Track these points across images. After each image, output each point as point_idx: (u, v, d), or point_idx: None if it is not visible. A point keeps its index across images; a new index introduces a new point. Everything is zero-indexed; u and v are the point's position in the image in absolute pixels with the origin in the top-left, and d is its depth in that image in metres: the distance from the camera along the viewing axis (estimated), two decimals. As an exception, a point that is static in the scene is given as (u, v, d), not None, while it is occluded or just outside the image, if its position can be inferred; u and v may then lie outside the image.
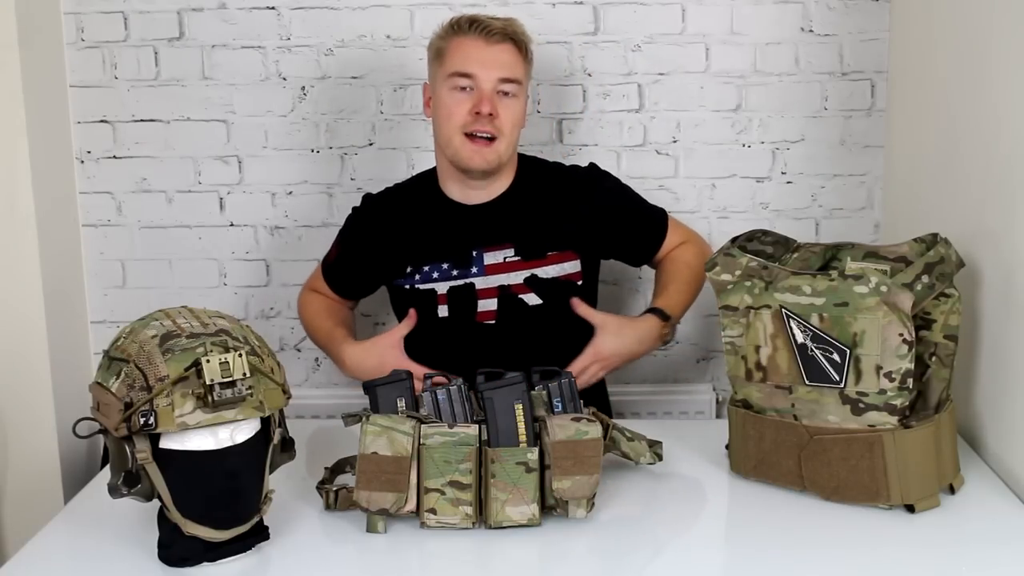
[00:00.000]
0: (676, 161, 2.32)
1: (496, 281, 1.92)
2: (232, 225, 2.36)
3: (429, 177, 2.00)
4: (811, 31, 2.25)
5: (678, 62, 2.27)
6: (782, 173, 2.31)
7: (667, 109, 2.29)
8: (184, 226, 2.36)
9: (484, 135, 1.83)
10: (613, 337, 1.84)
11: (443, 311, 1.92)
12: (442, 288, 1.92)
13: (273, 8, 2.27)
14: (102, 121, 2.32)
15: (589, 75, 2.28)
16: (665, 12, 2.25)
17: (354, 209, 2.06)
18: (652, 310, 1.90)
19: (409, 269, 1.94)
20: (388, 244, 1.97)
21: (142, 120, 2.32)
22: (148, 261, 2.37)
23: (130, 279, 2.38)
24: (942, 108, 1.91)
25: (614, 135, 2.31)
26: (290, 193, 2.34)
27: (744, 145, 2.31)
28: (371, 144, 2.32)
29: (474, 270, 1.91)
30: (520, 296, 1.92)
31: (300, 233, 2.36)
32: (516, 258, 1.92)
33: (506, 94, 1.84)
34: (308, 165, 2.33)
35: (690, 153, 2.31)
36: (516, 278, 1.92)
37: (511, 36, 1.85)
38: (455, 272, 1.92)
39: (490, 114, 1.82)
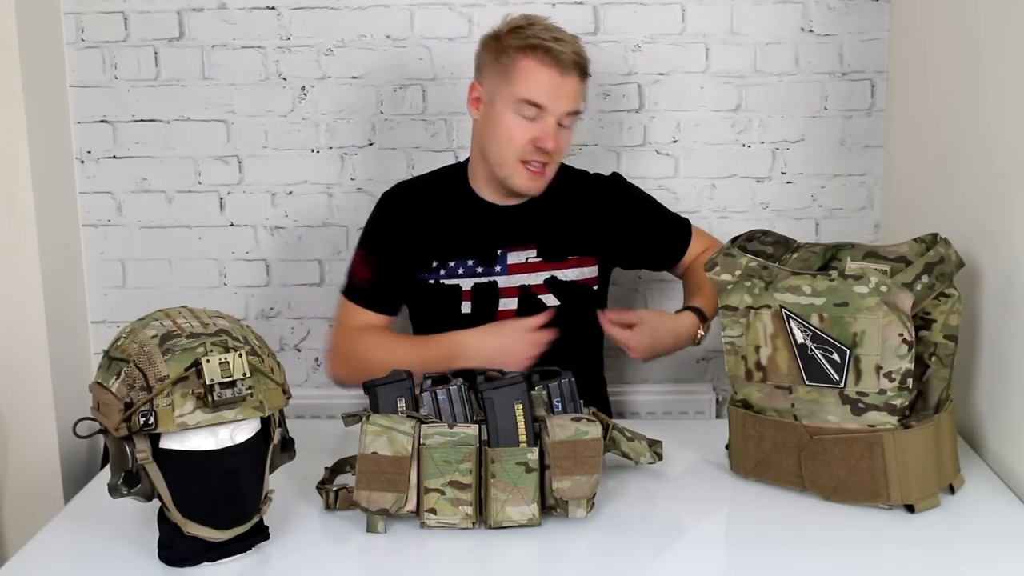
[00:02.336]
0: (676, 161, 2.32)
1: (518, 281, 1.93)
2: (232, 225, 2.36)
3: (457, 173, 1.98)
4: (811, 31, 2.26)
5: (678, 62, 2.27)
6: (782, 173, 2.32)
7: (667, 109, 2.29)
8: (184, 226, 2.36)
9: (540, 163, 1.84)
10: (647, 333, 1.84)
11: (466, 307, 1.92)
12: (467, 284, 1.92)
13: (273, 8, 2.27)
14: (102, 121, 2.32)
15: (589, 75, 2.28)
16: (665, 12, 2.25)
17: (376, 213, 1.98)
18: (691, 308, 1.91)
19: (435, 264, 1.93)
20: (415, 237, 1.93)
21: (142, 120, 2.32)
22: (148, 261, 2.37)
23: (130, 279, 2.38)
24: (942, 108, 1.91)
25: (614, 135, 2.31)
26: (290, 193, 2.34)
27: (744, 145, 2.31)
28: (371, 144, 2.32)
29: (498, 268, 1.92)
30: (539, 296, 1.93)
31: (300, 233, 2.36)
32: (538, 259, 1.93)
33: (564, 125, 1.84)
34: (308, 165, 2.33)
35: (690, 153, 2.31)
36: (536, 279, 1.93)
37: (580, 64, 1.83)
38: (480, 269, 1.92)
39: (552, 148, 1.82)
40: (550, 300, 1.93)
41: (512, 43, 1.82)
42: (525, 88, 1.80)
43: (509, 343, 1.80)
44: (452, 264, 1.92)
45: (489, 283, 1.92)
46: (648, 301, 2.36)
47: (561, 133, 1.84)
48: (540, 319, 1.82)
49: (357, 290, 1.95)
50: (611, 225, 1.97)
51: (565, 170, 1.99)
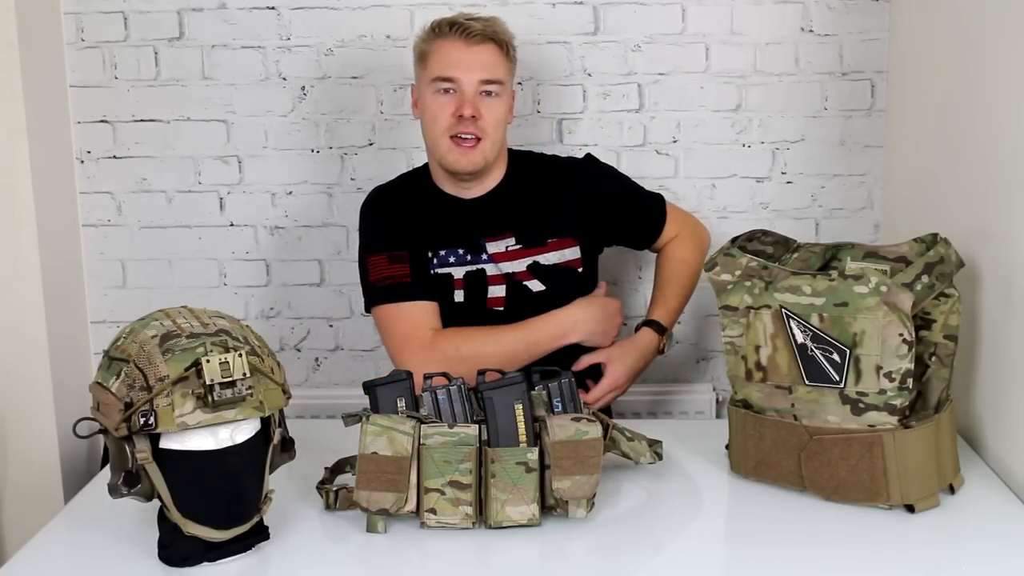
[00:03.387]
0: (676, 161, 2.32)
1: (503, 268, 1.94)
2: (232, 225, 2.36)
3: (421, 175, 2.01)
4: (811, 31, 2.25)
5: (678, 62, 2.27)
6: (782, 173, 2.31)
7: (667, 109, 2.29)
8: (184, 226, 2.36)
9: (468, 136, 1.85)
10: (620, 365, 1.93)
11: (459, 296, 1.93)
12: (458, 273, 1.93)
13: (273, 8, 2.27)
14: (102, 121, 2.32)
15: (589, 75, 2.28)
16: (665, 12, 2.25)
17: (370, 217, 1.97)
18: (648, 323, 1.99)
19: (429, 254, 1.94)
20: (410, 230, 1.94)
21: (142, 120, 2.31)
22: (148, 261, 2.37)
23: (130, 279, 2.38)
24: (942, 108, 1.91)
25: (614, 135, 2.31)
26: (290, 193, 2.34)
27: (744, 145, 2.31)
28: (371, 144, 2.32)
29: (484, 256, 1.94)
30: (525, 283, 1.94)
31: (300, 233, 2.36)
32: (518, 246, 1.94)
33: (489, 94, 1.86)
34: (308, 165, 2.33)
35: (690, 153, 2.31)
36: (520, 265, 1.94)
37: (491, 36, 1.86)
38: (469, 258, 1.94)
39: (473, 116, 1.84)
40: (535, 285, 1.94)
41: (425, 36, 1.89)
42: (435, 67, 1.86)
43: (603, 315, 1.93)
44: (443, 253, 1.94)
45: (478, 271, 1.94)
46: (647, 300, 2.36)
47: (486, 103, 1.86)
48: (602, 291, 1.97)
49: (403, 288, 1.89)
50: (586, 204, 1.97)
51: (531, 156, 2.03)
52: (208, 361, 1.27)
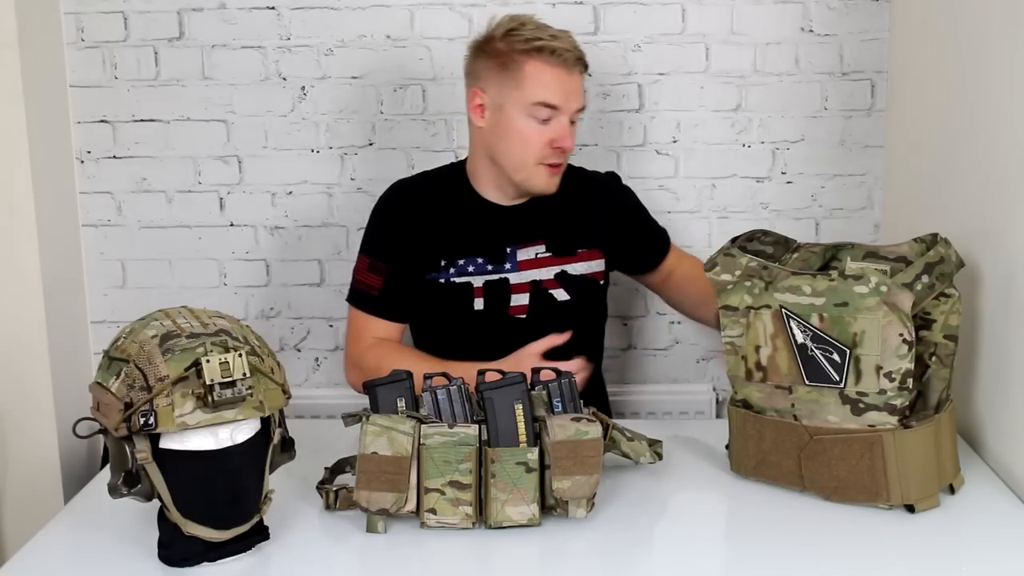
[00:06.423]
0: (676, 161, 2.32)
1: (528, 276, 1.93)
2: (232, 225, 2.36)
3: (456, 175, 1.97)
4: (811, 31, 2.25)
5: (678, 62, 2.27)
6: (782, 173, 2.31)
7: (667, 109, 2.29)
8: (184, 226, 2.36)
9: (558, 163, 1.86)
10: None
11: (479, 304, 1.92)
12: (478, 282, 1.92)
13: (273, 8, 2.27)
14: (102, 121, 2.32)
15: (589, 75, 2.27)
16: (665, 12, 2.25)
17: (376, 217, 1.96)
18: None
19: (443, 262, 1.92)
20: (421, 236, 1.91)
21: (142, 120, 2.32)
22: (148, 261, 2.37)
23: (130, 279, 2.38)
24: (942, 108, 1.91)
25: (614, 135, 2.30)
26: (290, 193, 2.34)
27: (744, 145, 2.31)
28: (371, 144, 2.32)
29: (507, 266, 1.92)
30: (550, 291, 1.94)
31: (300, 233, 2.36)
32: (547, 254, 1.94)
33: (573, 121, 1.86)
34: (308, 165, 2.33)
35: (690, 153, 2.31)
36: (547, 274, 1.93)
37: (583, 60, 1.85)
38: (490, 267, 1.92)
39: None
40: (561, 295, 1.94)
41: (515, 47, 1.81)
42: (537, 92, 1.80)
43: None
44: (462, 262, 1.92)
45: (500, 280, 1.92)
46: (648, 301, 2.37)
47: (571, 130, 1.86)
48: (548, 344, 1.80)
49: (367, 299, 1.93)
50: (614, 219, 1.99)
51: (568, 167, 1.99)
52: (208, 361, 1.27)
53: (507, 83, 1.82)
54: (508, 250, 1.93)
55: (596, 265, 1.97)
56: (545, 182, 1.87)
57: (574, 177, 1.99)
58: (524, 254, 1.93)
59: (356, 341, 1.93)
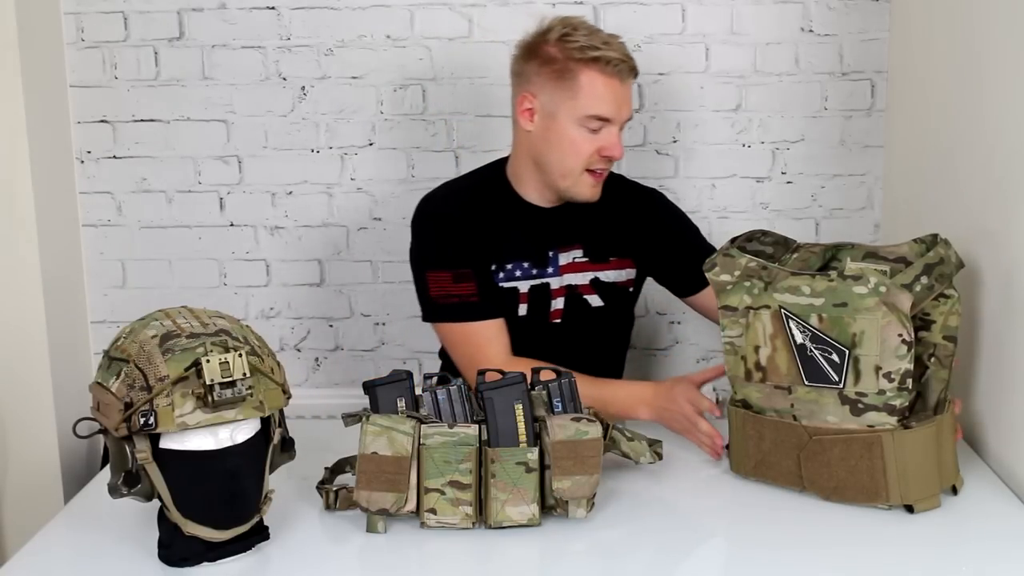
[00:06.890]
0: (676, 161, 2.32)
1: (566, 281, 1.92)
2: (232, 225, 2.36)
3: (496, 178, 1.94)
4: (811, 31, 2.26)
5: (678, 62, 2.27)
6: (782, 173, 2.32)
7: (667, 109, 2.29)
8: (184, 226, 2.36)
9: (604, 170, 1.85)
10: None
11: (523, 310, 1.91)
12: (524, 287, 1.91)
13: (273, 8, 2.27)
14: (102, 121, 2.32)
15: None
16: (665, 12, 2.25)
17: (431, 229, 1.89)
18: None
19: (494, 267, 1.90)
20: (476, 241, 1.88)
21: (142, 120, 2.32)
22: (148, 261, 2.37)
23: (130, 279, 2.38)
24: (942, 108, 1.91)
25: (614, 135, 2.30)
26: (290, 193, 2.34)
27: (744, 145, 2.31)
28: (371, 144, 2.32)
29: (550, 270, 1.91)
30: (585, 297, 1.93)
31: (300, 233, 2.36)
32: (584, 259, 1.93)
33: (621, 128, 1.84)
34: (308, 165, 2.33)
35: (690, 153, 2.31)
36: (583, 279, 1.93)
37: (634, 70, 1.83)
38: (535, 271, 1.91)
39: None
40: (595, 300, 1.93)
41: (570, 55, 1.78)
42: (592, 104, 1.78)
43: (683, 411, 1.71)
44: (509, 267, 1.90)
45: (542, 284, 1.91)
46: (648, 301, 2.37)
47: (620, 138, 1.83)
48: (711, 375, 1.77)
49: (470, 308, 1.85)
50: (649, 233, 1.96)
51: (609, 174, 1.97)
52: (208, 361, 1.27)
53: (560, 92, 1.79)
54: (550, 254, 1.91)
55: (627, 274, 1.96)
56: (589, 191, 1.85)
57: (614, 184, 1.96)
58: (564, 258, 1.92)
59: (481, 354, 1.83)
